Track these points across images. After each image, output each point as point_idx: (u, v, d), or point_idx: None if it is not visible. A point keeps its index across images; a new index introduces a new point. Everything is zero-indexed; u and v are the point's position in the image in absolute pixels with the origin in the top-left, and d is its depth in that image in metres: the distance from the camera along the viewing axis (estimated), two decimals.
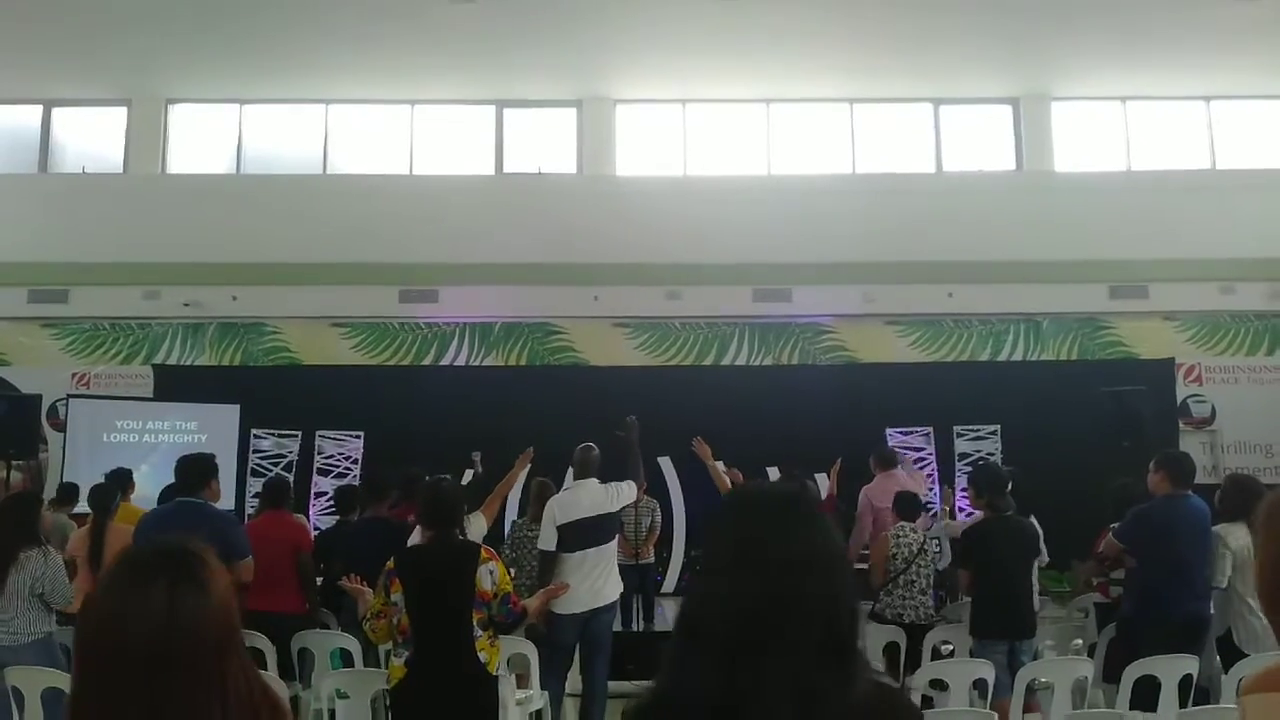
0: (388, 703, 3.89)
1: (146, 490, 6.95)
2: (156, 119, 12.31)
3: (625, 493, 5.57)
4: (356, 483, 9.59)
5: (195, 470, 5.00)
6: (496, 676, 3.97)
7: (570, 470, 5.63)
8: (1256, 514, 1.66)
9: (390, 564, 3.87)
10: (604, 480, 5.53)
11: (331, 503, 9.17)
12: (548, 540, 5.26)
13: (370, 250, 11.31)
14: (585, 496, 5.39)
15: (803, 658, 1.17)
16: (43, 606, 4.79)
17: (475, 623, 3.80)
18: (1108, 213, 11.43)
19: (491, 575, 3.86)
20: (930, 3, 10.54)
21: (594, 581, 5.21)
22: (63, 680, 4.47)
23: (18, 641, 4.67)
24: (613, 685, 6.51)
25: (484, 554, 3.92)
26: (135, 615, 1.32)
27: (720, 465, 6.12)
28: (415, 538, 5.49)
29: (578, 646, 5.35)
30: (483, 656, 3.81)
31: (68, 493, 7.51)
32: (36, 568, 4.72)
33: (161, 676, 1.30)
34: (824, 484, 7.71)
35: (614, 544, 5.49)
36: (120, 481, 6.52)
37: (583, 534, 5.26)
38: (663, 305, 11.58)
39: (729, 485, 6.43)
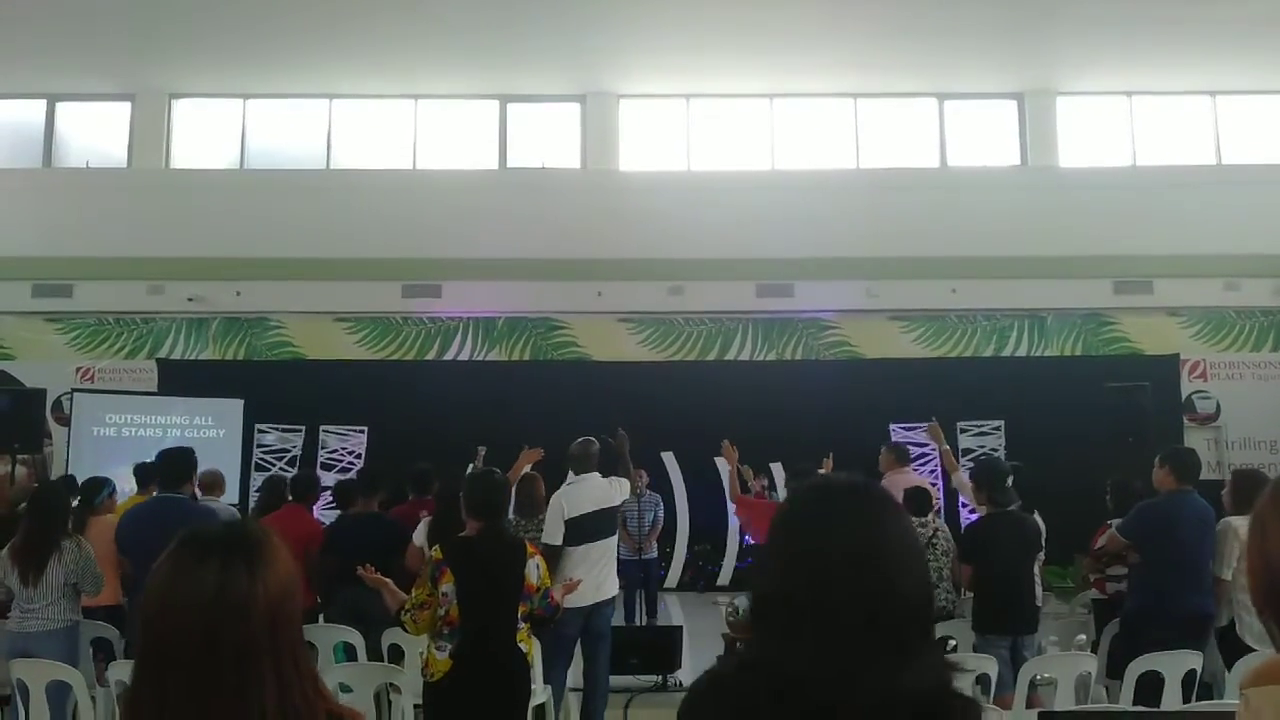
0: (426, 695, 3.88)
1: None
2: (160, 114, 12.32)
3: (624, 488, 5.61)
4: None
5: (175, 465, 5.00)
6: (531, 668, 4.02)
7: (571, 465, 5.61)
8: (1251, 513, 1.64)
9: (438, 554, 3.88)
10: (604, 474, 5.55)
11: (333, 497, 9.15)
12: (554, 535, 5.25)
13: (373, 245, 11.31)
14: (590, 490, 5.40)
15: (861, 642, 1.19)
16: (73, 597, 4.87)
17: (519, 616, 3.87)
18: (1113, 208, 11.40)
19: (537, 569, 3.96)
20: None
21: (597, 575, 5.21)
22: (69, 674, 4.49)
23: (45, 628, 4.75)
24: (615, 680, 6.54)
25: (530, 549, 4.02)
26: (185, 589, 1.33)
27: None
28: (420, 532, 5.52)
29: (579, 641, 5.36)
30: (523, 648, 3.89)
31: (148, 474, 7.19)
32: (71, 558, 4.82)
33: (204, 655, 1.30)
34: None
35: (615, 538, 5.51)
36: (147, 475, 6.55)
37: (587, 528, 5.27)
38: (666, 300, 11.57)
39: (738, 492, 6.43)
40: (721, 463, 10.35)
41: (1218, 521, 5.11)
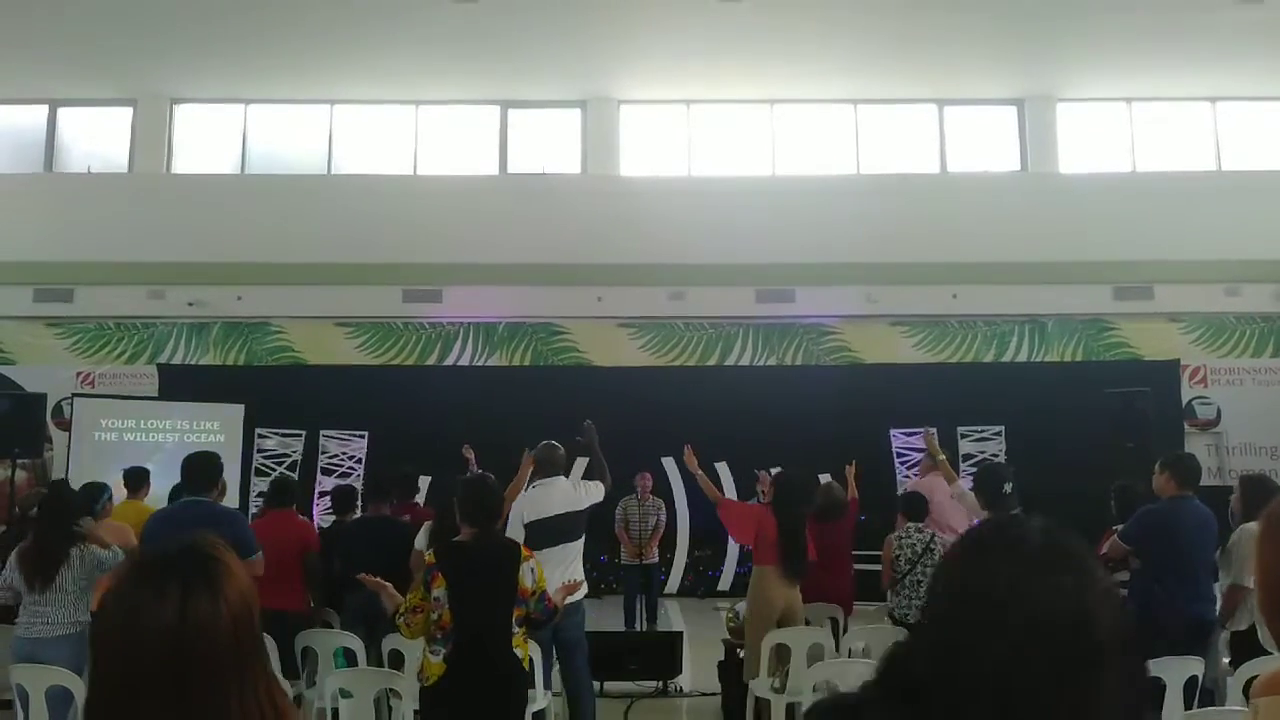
0: (422, 699, 3.88)
1: (156, 489, 6.96)
2: (161, 119, 12.34)
3: (594, 491, 5.58)
4: (358, 483, 9.62)
5: (203, 469, 4.99)
6: (528, 673, 4.01)
7: (535, 469, 5.62)
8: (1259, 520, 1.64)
9: (430, 558, 3.88)
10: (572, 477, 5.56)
11: (330, 503, 9.13)
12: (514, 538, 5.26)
13: (374, 250, 11.32)
14: (555, 494, 5.39)
15: None
16: (83, 600, 4.85)
17: (513, 620, 3.86)
18: (1112, 214, 11.42)
19: (532, 573, 3.94)
20: (935, 4, 10.52)
21: (562, 578, 5.19)
22: (69, 680, 4.49)
23: (53, 633, 4.73)
24: (615, 685, 6.54)
25: (525, 552, 4.00)
26: (148, 615, 1.28)
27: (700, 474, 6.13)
28: (421, 536, 5.52)
29: (554, 647, 5.33)
30: (518, 653, 3.87)
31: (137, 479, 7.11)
32: (76, 563, 4.82)
33: (174, 678, 1.26)
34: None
35: (581, 542, 5.46)
36: (136, 480, 6.58)
37: (551, 531, 5.24)
38: (666, 306, 11.58)
39: (718, 494, 6.42)
40: (721, 467, 10.40)
41: (1218, 527, 5.11)
